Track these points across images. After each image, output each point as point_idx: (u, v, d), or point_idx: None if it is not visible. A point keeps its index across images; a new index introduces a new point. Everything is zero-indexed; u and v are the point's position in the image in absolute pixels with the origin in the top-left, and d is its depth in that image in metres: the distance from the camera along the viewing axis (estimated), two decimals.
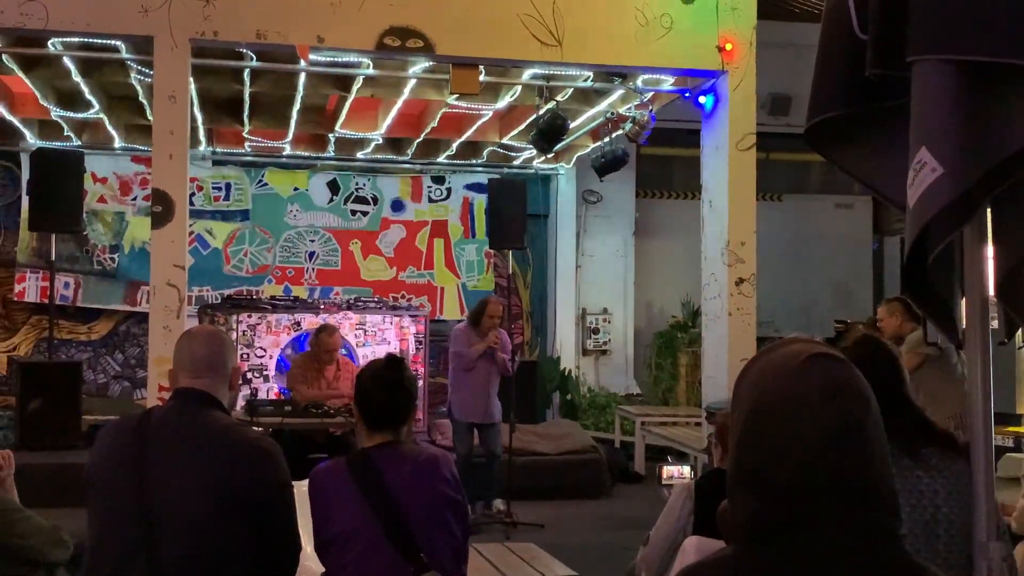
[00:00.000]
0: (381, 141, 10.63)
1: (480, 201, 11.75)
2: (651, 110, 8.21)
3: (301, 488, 2.89)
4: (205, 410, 2.60)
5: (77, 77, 7.95)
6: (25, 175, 10.44)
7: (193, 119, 9.04)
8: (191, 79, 6.92)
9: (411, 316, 10.22)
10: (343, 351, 8.62)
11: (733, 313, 7.12)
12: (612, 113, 8.72)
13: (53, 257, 9.39)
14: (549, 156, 10.67)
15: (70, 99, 8.96)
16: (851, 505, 1.24)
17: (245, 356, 9.40)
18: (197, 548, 2.44)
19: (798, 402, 1.27)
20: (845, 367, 1.30)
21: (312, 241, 11.58)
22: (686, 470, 3.96)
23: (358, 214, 11.73)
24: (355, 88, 8.23)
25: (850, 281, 13.60)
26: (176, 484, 2.47)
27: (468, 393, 7.76)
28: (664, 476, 3.84)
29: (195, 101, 8.73)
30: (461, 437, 7.83)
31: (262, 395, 9.29)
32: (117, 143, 10.48)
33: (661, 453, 9.86)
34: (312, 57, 7.19)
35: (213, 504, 2.45)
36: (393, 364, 3.00)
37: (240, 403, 8.48)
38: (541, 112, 8.38)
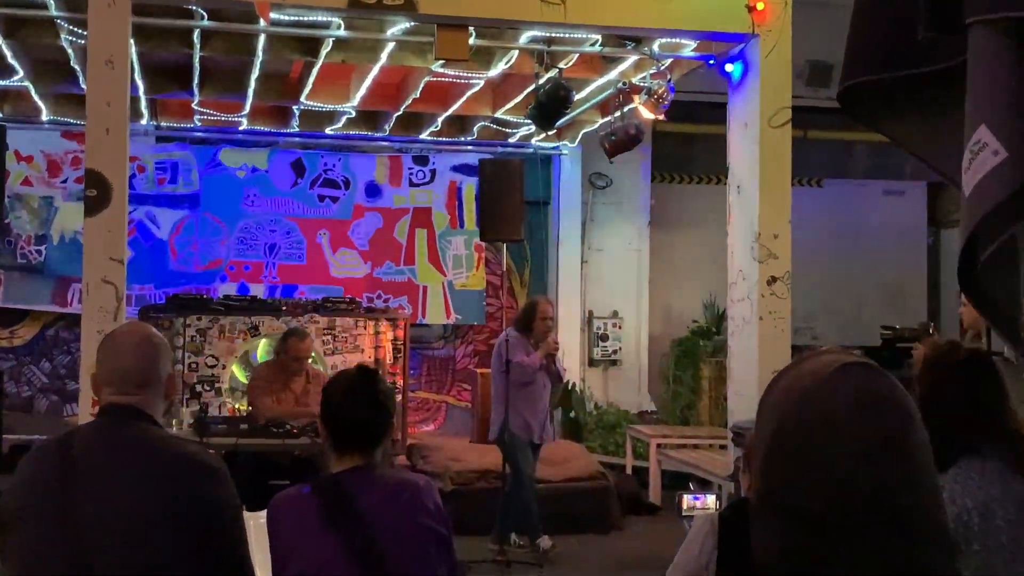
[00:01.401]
0: (354, 115, 10.63)
1: (469, 185, 11.75)
2: (669, 80, 8.21)
3: (259, 520, 2.89)
4: (136, 425, 2.62)
5: None
6: None
7: (134, 88, 9.03)
8: (131, 41, 6.91)
9: (389, 320, 10.21)
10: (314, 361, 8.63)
11: (764, 317, 7.12)
12: (624, 83, 8.72)
13: None
14: (550, 133, 10.66)
15: None
16: (892, 535, 1.24)
17: (194, 366, 9.39)
18: (142, 574, 2.45)
19: (828, 416, 1.28)
20: (882, 377, 1.31)
21: (273, 232, 11.57)
22: (710, 500, 3.96)
23: (327, 200, 11.72)
24: (323, 52, 8.22)
25: (902, 280, 13.62)
26: (108, 507, 2.48)
27: (530, 409, 7.91)
28: (685, 506, 3.84)
29: (136, 67, 8.72)
30: (527, 457, 7.95)
31: (213, 411, 9.28)
32: (45, 116, 10.46)
33: (680, 480, 9.85)
34: (273, 16, 7.18)
35: (147, 527, 2.47)
36: (365, 376, 3.00)
37: (188, 421, 8.48)
38: (541, 82, 8.37)
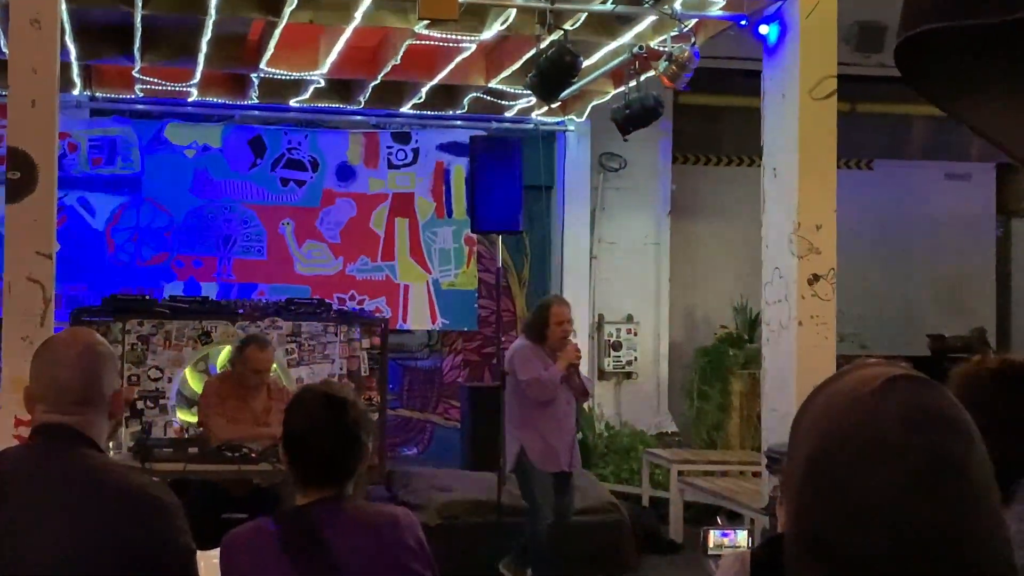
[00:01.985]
0: (323, 84, 10.62)
1: (459, 167, 11.75)
2: (694, 44, 8.22)
3: (211, 560, 2.89)
4: (74, 450, 2.62)
5: None
6: None
7: (64, 53, 9.02)
8: None
9: (363, 325, 10.21)
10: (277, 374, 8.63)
11: (804, 322, 7.13)
12: (640, 48, 8.72)
13: None
14: (554, 106, 10.66)
15: None
16: None
17: (134, 379, 9.39)
18: None
19: (873, 438, 1.27)
20: (935, 391, 1.30)
21: (228, 221, 11.57)
22: (741, 536, 3.98)
23: (291, 184, 11.72)
24: (287, 11, 8.21)
25: (966, 278, 13.63)
26: (35, 546, 2.48)
27: (549, 433, 7.70)
28: (711, 544, 3.86)
29: (67, 27, 8.71)
30: (546, 493, 7.75)
31: (157, 432, 9.28)
32: None
33: (706, 514, 9.87)
34: None
35: (86, 572, 2.47)
36: (333, 405, 2.99)
37: (128, 443, 8.47)
38: (543, 46, 8.38)
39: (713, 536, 3.89)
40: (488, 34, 8.87)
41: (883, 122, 13.30)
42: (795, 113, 7.21)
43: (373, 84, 10.58)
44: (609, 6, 8.11)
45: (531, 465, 7.72)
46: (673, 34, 8.36)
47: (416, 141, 11.99)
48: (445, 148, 12.00)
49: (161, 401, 9.53)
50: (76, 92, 10.75)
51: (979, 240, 13.80)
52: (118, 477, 2.63)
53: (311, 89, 10.74)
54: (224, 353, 9.71)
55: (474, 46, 9.45)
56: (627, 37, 8.90)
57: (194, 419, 8.92)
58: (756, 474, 9.17)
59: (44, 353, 2.77)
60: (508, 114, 11.64)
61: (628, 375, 12.45)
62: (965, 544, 1.25)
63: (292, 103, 11.13)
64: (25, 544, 2.48)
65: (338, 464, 2.96)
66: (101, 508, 2.53)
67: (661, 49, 8.50)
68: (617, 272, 12.48)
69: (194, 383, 9.67)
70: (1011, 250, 14.00)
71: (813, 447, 1.32)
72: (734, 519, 9.05)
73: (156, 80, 10.49)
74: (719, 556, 3.57)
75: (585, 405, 11.86)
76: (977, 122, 2.24)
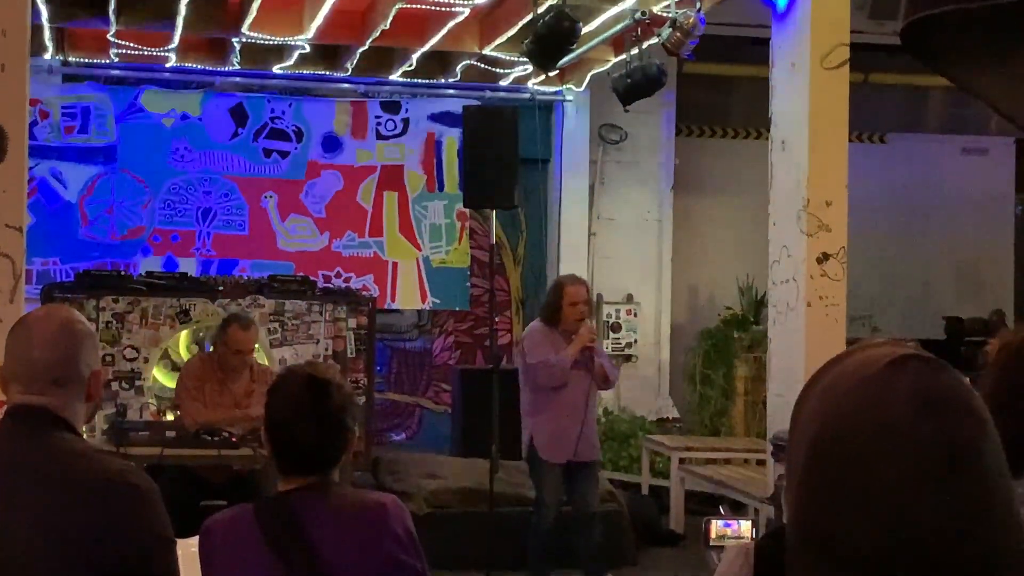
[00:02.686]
0: (308, 50, 10.60)
1: (451, 138, 11.74)
2: (699, 9, 8.21)
3: (189, 548, 2.90)
4: (48, 433, 2.62)
5: None
6: None
7: (35, 15, 8.99)
8: None
9: (350, 304, 10.21)
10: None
11: (813, 304, 7.14)
12: (643, 14, 8.71)
13: None
14: (552, 75, 10.64)
15: None
16: None
17: (109, 359, 9.39)
18: None
19: (880, 423, 1.25)
20: (945, 372, 1.28)
21: (208, 194, 11.56)
22: (745, 527, 3.99)
23: (274, 155, 11.70)
24: None
25: (984, 258, 13.65)
26: (11, 538, 2.49)
27: (559, 421, 7.63)
28: (713, 535, 3.87)
29: None
30: (550, 484, 7.75)
31: (133, 415, 9.29)
32: None
33: (708, 504, 9.90)
34: None
35: (62, 560, 2.47)
36: (317, 387, 2.99)
37: (102, 426, 8.48)
38: (540, 11, 8.36)
39: (716, 527, 3.90)
40: None
41: (898, 93, 13.29)
42: (805, 83, 7.20)
43: (361, 50, 10.56)
44: None
45: (538, 455, 7.73)
46: (677, 0, 8.35)
47: (406, 111, 11.97)
48: (436, 118, 11.99)
49: (137, 382, 9.53)
50: (48, 57, 10.72)
51: (997, 218, 13.81)
52: (93, 462, 2.63)
53: (295, 55, 10.72)
54: (183, 337, 9.73)
55: (467, 11, 9.42)
56: (629, 2, 8.88)
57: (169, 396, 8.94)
58: (761, 462, 9.20)
59: (19, 331, 2.77)
60: (503, 83, 11.62)
61: (627, 358, 12.46)
62: (978, 536, 1.23)
63: (275, 70, 11.10)
64: None
65: (322, 451, 2.96)
66: (75, 494, 2.54)
67: (665, 15, 8.48)
68: (617, 250, 12.48)
69: (164, 380, 9.69)
70: None
71: (816, 433, 1.30)
72: (738, 509, 9.08)
73: (132, 44, 10.46)
74: (722, 548, 3.57)
75: None
76: (987, 94, 2.25)
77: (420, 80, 11.51)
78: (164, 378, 9.69)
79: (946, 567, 1.22)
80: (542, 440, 7.66)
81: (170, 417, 8.76)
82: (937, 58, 2.29)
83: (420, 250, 11.95)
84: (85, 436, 7.51)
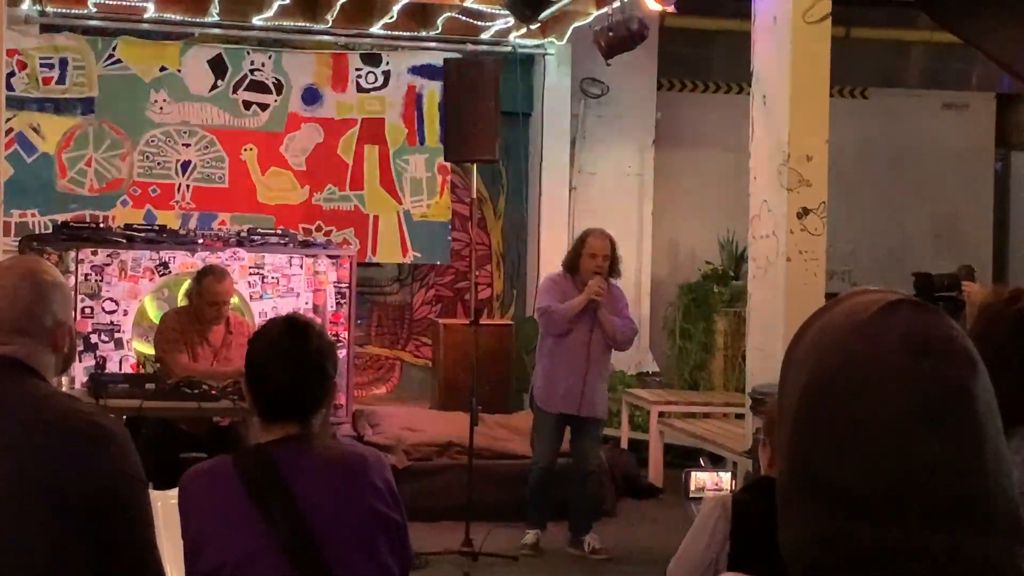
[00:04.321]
0: (288, 1, 10.53)
1: (432, 92, 11.67)
2: None
3: (169, 499, 2.91)
4: (14, 379, 2.63)
5: None
6: None
7: None
8: None
9: (330, 257, 10.20)
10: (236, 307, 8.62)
11: (793, 258, 7.15)
12: None
13: None
14: (533, 28, 10.59)
15: None
16: (957, 525, 1.23)
17: (88, 311, 9.36)
18: (12, 563, 2.46)
19: (872, 365, 1.26)
20: (938, 316, 1.29)
21: (187, 146, 11.49)
22: (724, 478, 4.03)
23: (254, 107, 11.63)
24: None
25: (962, 214, 13.68)
26: None
27: (555, 370, 7.72)
28: (693, 486, 3.90)
29: None
30: (543, 434, 7.80)
31: (113, 367, 9.28)
32: None
33: (686, 457, 9.96)
34: None
35: (27, 504, 2.48)
36: (296, 330, 3.01)
37: (82, 379, 8.47)
38: None
39: (696, 478, 3.93)
40: None
41: (879, 48, 13.26)
42: (787, 37, 7.19)
43: (341, 2, 10.49)
44: None
45: (534, 401, 7.82)
46: None
47: (387, 63, 11.90)
48: (417, 71, 11.92)
49: (116, 335, 9.51)
50: (25, 6, 10.64)
51: (977, 174, 13.83)
52: (57, 404, 2.64)
53: (275, 6, 10.65)
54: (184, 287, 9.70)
55: None
56: None
57: (150, 350, 8.92)
58: (740, 416, 9.24)
59: None
60: (485, 36, 11.57)
61: None
62: (973, 475, 1.24)
63: (255, 21, 11.04)
64: None
65: (301, 394, 2.96)
66: (38, 437, 2.54)
67: None
68: (598, 204, 12.45)
69: (153, 314, 9.64)
70: (1010, 183, 14.04)
71: (809, 377, 1.31)
72: (716, 462, 9.14)
73: None
74: (701, 499, 3.60)
75: None
76: (987, 46, 2.26)
77: (401, 32, 11.45)
78: (153, 313, 9.64)
79: (939, 503, 1.23)
80: (540, 387, 7.79)
81: (152, 351, 8.75)
82: (948, 17, 2.31)
83: (401, 203, 11.92)
84: (65, 388, 7.52)
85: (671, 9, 8.37)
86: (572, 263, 7.83)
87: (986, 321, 2.70)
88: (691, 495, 3.87)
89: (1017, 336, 2.61)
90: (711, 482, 3.92)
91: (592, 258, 7.70)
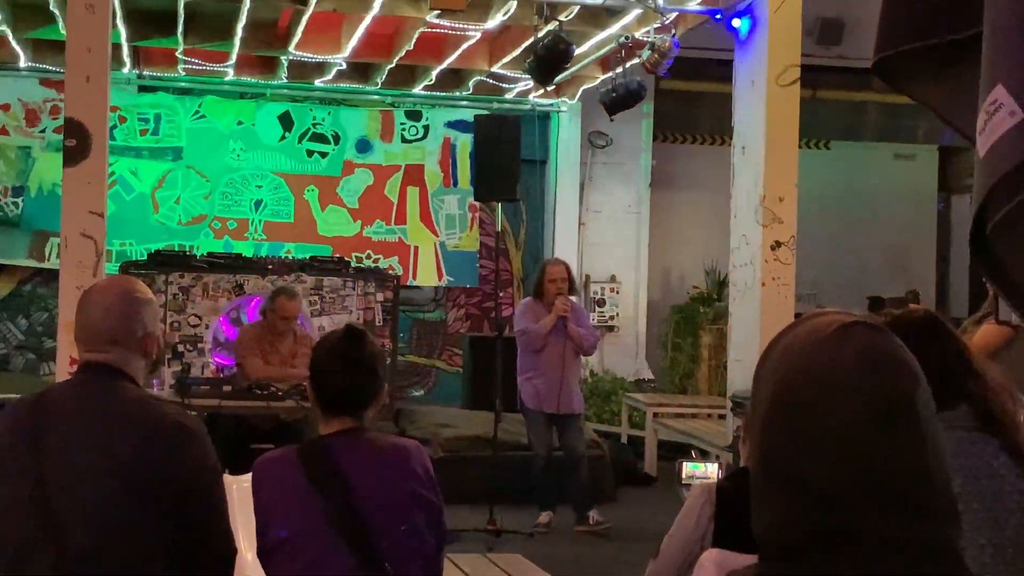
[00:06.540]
0: (344, 66, 10.57)
1: (464, 142, 11.71)
2: (674, 35, 8.17)
3: (243, 483, 2.91)
4: (110, 383, 2.63)
5: None
6: None
7: (115, 35, 8.97)
8: None
9: (378, 281, 10.21)
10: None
11: (767, 283, 7.13)
12: (627, 38, 8.68)
13: None
14: (549, 89, 10.61)
15: None
16: (902, 513, 1.23)
17: (176, 325, 9.40)
18: (105, 540, 2.46)
19: (830, 376, 1.26)
20: (886, 337, 1.30)
21: (259, 187, 11.54)
22: (712, 468, 3.99)
23: (315, 155, 11.68)
24: (313, 0, 8.16)
25: (910, 247, 13.65)
26: (79, 467, 2.50)
27: (538, 378, 7.83)
28: (684, 474, 3.87)
29: (118, 12, 8.65)
30: (537, 431, 7.89)
31: (196, 372, 9.30)
32: (23, 62, 10.38)
33: (676, 451, 9.91)
34: None
35: (120, 490, 2.48)
36: (353, 337, 3.00)
37: (169, 381, 8.50)
38: (540, 35, 8.33)
39: (686, 467, 3.90)
40: (491, 24, 8.82)
41: (840, 107, 13.25)
42: (763, 98, 7.18)
43: (389, 67, 10.54)
44: (599, 0, 8.06)
45: (524, 406, 7.87)
46: (655, 26, 8.32)
47: (426, 118, 11.94)
48: (452, 125, 11.96)
49: (199, 344, 9.55)
50: (126, 71, 10.70)
51: (923, 214, 13.82)
52: (147, 406, 2.64)
53: (334, 71, 10.69)
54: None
55: (479, 34, 9.40)
56: (615, 28, 8.86)
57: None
58: (722, 416, 9.22)
59: (84, 299, 2.77)
60: (508, 96, 11.59)
61: (611, 328, 12.46)
62: (917, 474, 1.25)
63: (317, 83, 11.08)
64: (66, 462, 2.50)
65: (356, 392, 2.95)
66: (130, 431, 2.55)
67: (645, 39, 8.46)
68: (602, 237, 12.47)
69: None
70: (951, 222, 14.01)
71: (777, 385, 1.31)
72: (702, 456, 9.10)
73: (197, 60, 10.44)
74: (690, 486, 3.58)
75: None
76: (939, 109, 2.25)
77: (438, 92, 11.48)
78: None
79: (887, 494, 1.24)
80: (527, 393, 7.89)
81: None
82: (899, 81, 2.31)
83: (437, 236, 11.94)
84: (156, 390, 7.54)
85: (665, 74, 8.38)
86: (537, 290, 7.93)
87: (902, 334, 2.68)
88: (683, 482, 3.84)
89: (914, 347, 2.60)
90: (700, 471, 3.89)
91: (552, 283, 7.79)
